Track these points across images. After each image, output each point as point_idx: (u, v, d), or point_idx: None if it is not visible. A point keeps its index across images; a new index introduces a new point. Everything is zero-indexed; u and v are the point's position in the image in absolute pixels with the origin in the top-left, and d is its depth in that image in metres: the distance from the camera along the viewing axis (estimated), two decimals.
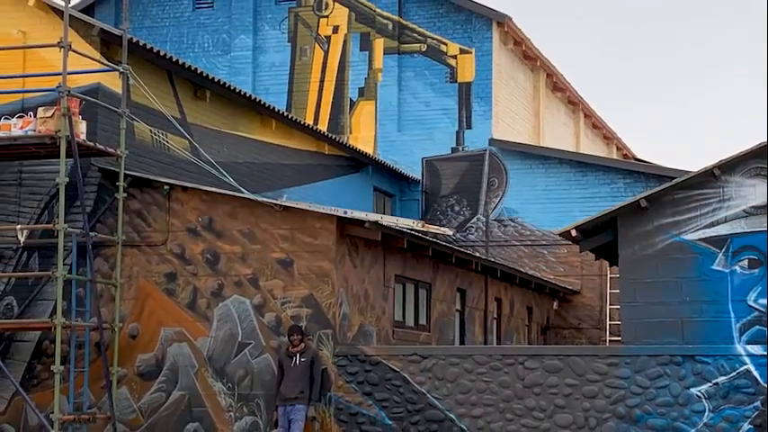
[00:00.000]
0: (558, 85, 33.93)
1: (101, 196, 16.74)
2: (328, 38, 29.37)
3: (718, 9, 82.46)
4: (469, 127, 28.37)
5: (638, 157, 40.80)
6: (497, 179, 27.94)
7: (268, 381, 15.70)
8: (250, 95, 21.60)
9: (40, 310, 16.73)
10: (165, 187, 16.53)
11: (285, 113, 23.24)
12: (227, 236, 16.25)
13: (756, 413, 14.24)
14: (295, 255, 15.95)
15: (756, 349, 14.45)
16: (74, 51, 15.75)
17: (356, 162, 26.26)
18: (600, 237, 16.12)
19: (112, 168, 16.48)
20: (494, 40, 28.57)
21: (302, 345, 15.34)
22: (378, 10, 28.98)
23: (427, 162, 28.47)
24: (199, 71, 19.34)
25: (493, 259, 24.20)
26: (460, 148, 28.39)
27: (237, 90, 20.74)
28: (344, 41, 29.24)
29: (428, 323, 19.35)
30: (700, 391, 14.45)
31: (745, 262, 14.87)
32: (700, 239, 15.05)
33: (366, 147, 27.87)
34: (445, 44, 28.68)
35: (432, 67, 28.73)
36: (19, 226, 16.01)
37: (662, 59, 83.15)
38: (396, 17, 28.89)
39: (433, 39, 28.75)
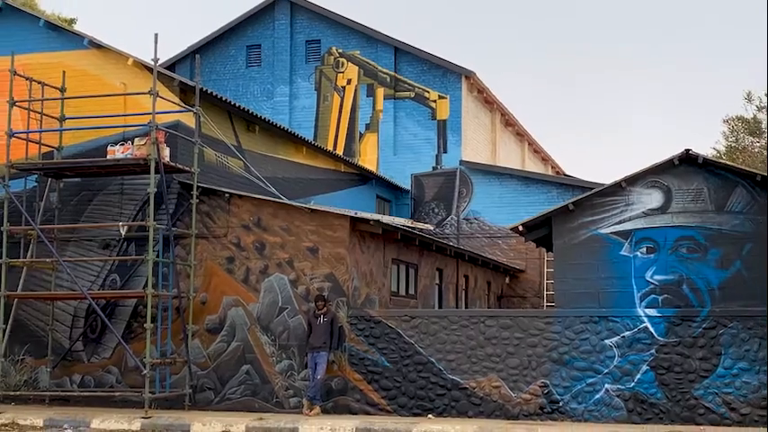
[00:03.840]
0: (509, 122, 33.92)
1: (179, 202, 16.75)
2: (343, 88, 29.35)
3: (624, 65, 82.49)
4: (445, 152, 28.34)
5: (567, 173, 40.76)
6: (465, 189, 27.94)
7: (300, 334, 15.72)
8: (287, 129, 21.60)
9: (136, 283, 16.75)
10: (226, 195, 16.55)
11: (312, 142, 23.26)
12: (270, 230, 16.26)
13: (652, 358, 14.27)
14: (320, 244, 15.96)
15: (652, 312, 14.49)
16: (160, 97, 15.79)
17: (363, 177, 26.27)
18: (539, 231, 16.14)
19: (188, 181, 16.48)
20: (463, 90, 28.55)
21: (325, 308, 15.38)
22: (379, 67, 28.97)
23: (415, 177, 28.44)
24: (250, 111, 19.37)
25: (462, 247, 24.21)
26: (439, 167, 28.36)
27: (278, 125, 20.75)
28: (355, 90, 29.21)
29: (416, 293, 19.37)
30: (611, 341, 14.47)
31: (644, 249, 14.90)
32: (611, 233, 15.08)
33: (371, 166, 27.86)
34: (428, 92, 28.67)
35: (418, 108, 28.72)
36: (121, 223, 16.03)
37: (582, 102, 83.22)
38: (392, 73, 28.88)
39: (419, 88, 28.74)
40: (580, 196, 15.57)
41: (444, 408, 14.96)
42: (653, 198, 14.99)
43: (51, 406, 16.37)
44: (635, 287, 14.77)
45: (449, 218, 27.88)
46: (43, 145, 17.11)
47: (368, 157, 28.65)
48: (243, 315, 16.15)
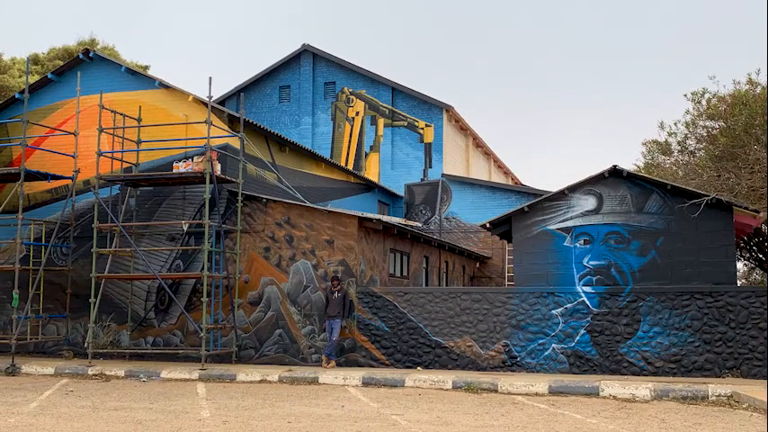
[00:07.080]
0: (478, 144, 33.93)
1: (228, 205, 16.79)
2: (353, 118, 29.37)
3: (568, 98, 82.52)
4: (430, 167, 28.37)
5: (523, 183, 40.75)
6: (446, 195, 27.96)
7: (320, 306, 15.75)
8: (310, 150, 21.60)
9: (195, 267, 16.79)
10: (264, 200, 16.58)
11: (329, 159, 23.27)
12: (297, 227, 16.28)
13: (588, 324, 14.30)
14: (335, 237, 15.99)
15: (588, 289, 14.51)
16: (213, 125, 15.83)
17: (368, 186, 26.28)
18: (502, 227, 16.18)
19: (234, 190, 16.52)
20: (444, 120, 28.57)
21: (339, 286, 15.39)
22: (380, 103, 29.00)
23: (407, 186, 28.46)
24: (282, 136, 19.37)
25: (443, 240, 24.24)
26: (425, 179, 28.39)
27: (303, 147, 20.75)
28: (362, 120, 29.24)
29: (408, 275, 19.40)
30: (557, 311, 14.51)
31: (582, 241, 14.93)
32: (557, 229, 15.11)
33: (374, 178, 27.89)
34: (417, 122, 28.69)
35: (410, 134, 28.74)
36: (183, 221, 16.06)
37: (535, 128, 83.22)
38: (390, 107, 28.90)
39: (411, 119, 28.76)
40: (533, 201, 15.60)
41: (430, 362, 15.00)
42: (588, 202, 15.04)
43: (130, 360, 16.43)
44: (575, 270, 14.82)
45: (433, 217, 27.90)
46: (124, 162, 17.17)
47: (371, 171, 28.67)
48: (276, 291, 16.19)
